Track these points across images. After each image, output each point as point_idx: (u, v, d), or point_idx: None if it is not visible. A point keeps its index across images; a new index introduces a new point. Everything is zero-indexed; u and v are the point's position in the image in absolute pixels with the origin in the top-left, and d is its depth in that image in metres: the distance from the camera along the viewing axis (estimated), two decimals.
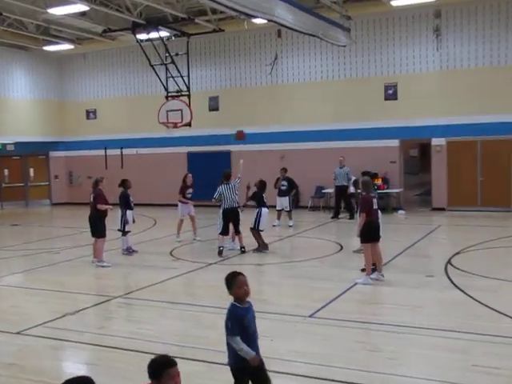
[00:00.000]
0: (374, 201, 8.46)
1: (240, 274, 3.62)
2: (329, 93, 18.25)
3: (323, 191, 18.35)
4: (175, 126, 17.06)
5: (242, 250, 10.98)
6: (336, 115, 18.12)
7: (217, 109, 20.02)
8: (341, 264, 9.88)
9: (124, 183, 11.39)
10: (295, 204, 18.49)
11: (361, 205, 8.50)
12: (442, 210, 16.62)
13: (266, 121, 19.12)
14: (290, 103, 18.81)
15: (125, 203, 11.19)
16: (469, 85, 16.27)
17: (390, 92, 17.47)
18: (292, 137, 18.82)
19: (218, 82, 20.00)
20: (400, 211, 16.75)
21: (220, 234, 10.99)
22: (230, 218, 10.87)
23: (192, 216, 12.72)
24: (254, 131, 19.40)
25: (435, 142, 17.12)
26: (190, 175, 12.97)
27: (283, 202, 14.77)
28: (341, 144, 17.98)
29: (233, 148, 19.88)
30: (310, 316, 6.64)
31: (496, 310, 6.69)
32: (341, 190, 16.18)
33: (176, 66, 17.54)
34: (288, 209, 14.64)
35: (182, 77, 17.55)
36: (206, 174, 19.97)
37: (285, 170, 15.23)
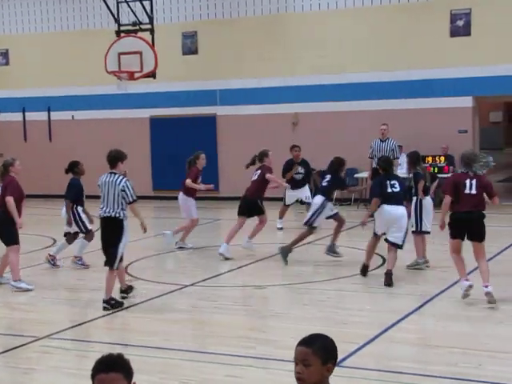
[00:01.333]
0: (468, 183, 8.71)
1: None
2: (362, 27, 18.12)
3: (356, 176, 18.23)
4: (131, 77, 16.98)
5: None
6: (374, 61, 18.04)
7: (194, 51, 19.90)
8: (382, 287, 9.87)
9: (74, 167, 11.66)
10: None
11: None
12: None
13: (269, 70, 19.01)
14: (306, 43, 18.66)
15: (75, 196, 11.38)
16: None
17: (460, 24, 17.34)
18: (308, 93, 18.71)
19: (195, 9, 19.86)
20: None
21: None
22: None
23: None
24: (251, 85, 19.33)
25: None
26: (203, 155, 13.19)
27: (301, 194, 15.03)
28: (380, 104, 17.91)
29: (220, 111, 19.77)
30: (337, 365, 6.52)
31: None
32: None
33: None
34: (310, 200, 14.64)
35: (140, 1, 17.42)
36: (179, 150, 19.95)
37: (298, 148, 15.25)
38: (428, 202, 10.88)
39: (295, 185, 15.02)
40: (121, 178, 8.94)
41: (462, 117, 17.50)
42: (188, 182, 12.68)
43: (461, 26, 17.34)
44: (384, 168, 10.62)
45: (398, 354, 7.04)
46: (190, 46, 19.98)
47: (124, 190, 8.85)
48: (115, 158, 9.17)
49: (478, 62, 17.11)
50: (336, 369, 6.46)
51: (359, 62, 18.21)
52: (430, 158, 17.20)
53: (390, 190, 10.29)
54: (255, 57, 19.15)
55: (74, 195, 11.43)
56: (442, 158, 17.12)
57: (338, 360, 6.63)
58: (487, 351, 7.03)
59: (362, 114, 18.17)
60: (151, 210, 18.72)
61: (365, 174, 17.61)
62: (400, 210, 10.26)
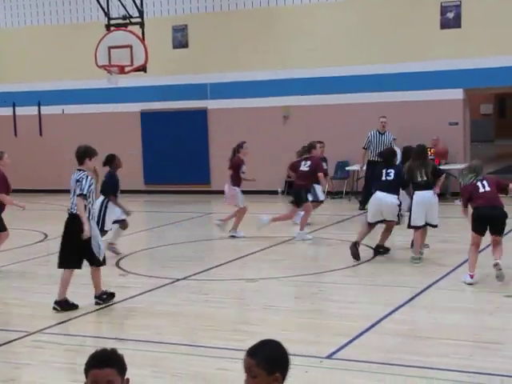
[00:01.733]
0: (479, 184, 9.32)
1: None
2: (353, 20, 18.09)
3: (348, 169, 18.26)
4: (122, 70, 16.96)
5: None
6: (364, 54, 18.01)
7: (185, 45, 19.84)
8: (374, 279, 9.96)
9: (111, 161, 11.67)
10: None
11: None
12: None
13: (260, 63, 18.97)
14: (297, 36, 18.63)
15: (112, 189, 11.41)
16: None
17: (450, 16, 17.33)
18: (299, 87, 18.68)
19: (186, 3, 19.80)
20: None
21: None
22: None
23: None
24: (242, 79, 19.27)
25: None
26: (246, 145, 13.29)
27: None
28: (372, 97, 17.90)
29: (210, 104, 19.73)
30: (329, 357, 6.71)
31: None
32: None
33: None
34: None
35: None
36: (171, 144, 19.92)
37: (323, 144, 15.40)
38: (419, 196, 10.65)
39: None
40: (82, 174, 8.57)
41: (452, 109, 17.49)
42: (235, 174, 12.91)
43: (451, 18, 17.33)
44: (385, 158, 11.12)
45: (390, 345, 7.04)
46: (180, 39, 19.90)
47: (79, 181, 8.47)
48: (83, 154, 8.74)
49: (468, 55, 17.10)
50: (329, 361, 6.55)
51: (350, 55, 18.18)
52: None
53: (384, 178, 10.45)
54: (246, 50, 19.09)
55: (112, 188, 11.41)
56: (433, 151, 17.12)
57: (331, 352, 6.76)
58: (479, 342, 7.05)
59: (353, 107, 18.15)
60: (142, 204, 18.70)
61: (356, 167, 17.64)
62: (389, 198, 10.36)
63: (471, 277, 9.14)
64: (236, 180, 13.04)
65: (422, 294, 8.94)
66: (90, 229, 8.42)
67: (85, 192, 8.44)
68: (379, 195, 10.69)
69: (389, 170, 10.77)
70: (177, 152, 19.88)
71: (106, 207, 11.18)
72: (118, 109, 20.53)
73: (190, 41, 19.84)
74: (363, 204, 15.73)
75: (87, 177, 8.54)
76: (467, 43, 17.11)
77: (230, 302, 9.16)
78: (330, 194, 18.30)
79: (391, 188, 10.68)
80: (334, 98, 18.39)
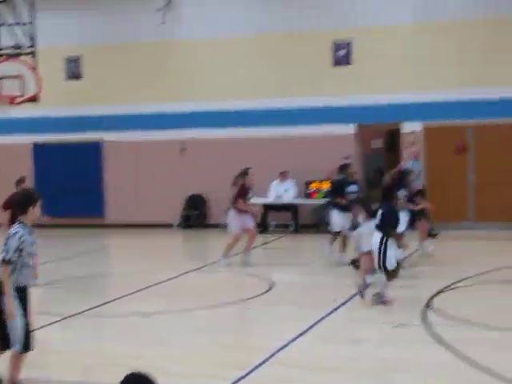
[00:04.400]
0: None
1: None
2: (247, 55, 18.33)
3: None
4: (12, 101, 16.51)
5: None
6: (260, 88, 18.21)
7: (78, 76, 19.55)
8: (271, 310, 9.92)
9: None
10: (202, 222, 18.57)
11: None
12: None
13: (155, 95, 18.90)
14: (193, 69, 18.69)
15: None
16: (458, 44, 16.87)
17: (342, 53, 17.78)
18: (195, 120, 18.70)
19: (80, 34, 19.56)
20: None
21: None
22: None
23: (250, 229, 13.31)
24: (137, 111, 19.14)
25: (408, 127, 17.59)
26: (252, 171, 13.39)
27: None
28: (267, 131, 18.09)
29: (106, 137, 19.47)
30: None
31: (499, 375, 6.79)
32: None
33: (13, 7, 17.02)
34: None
35: (21, 24, 17.03)
36: (64, 177, 19.48)
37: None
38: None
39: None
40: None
41: (344, 143, 17.89)
42: (241, 204, 13.03)
43: (343, 55, 17.79)
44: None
45: (287, 378, 7.01)
46: (73, 70, 19.61)
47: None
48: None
49: (359, 91, 17.58)
50: None
51: (247, 90, 18.36)
52: (315, 184, 17.52)
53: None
54: (142, 83, 18.99)
55: None
56: (327, 184, 17.41)
57: None
58: (368, 371, 7.11)
59: (250, 141, 18.30)
60: (41, 238, 18.11)
61: (252, 200, 17.74)
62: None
63: None
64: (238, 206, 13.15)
65: (317, 325, 8.97)
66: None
67: (9, 256, 6.33)
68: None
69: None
70: (70, 185, 19.48)
71: None
72: (9, 140, 19.96)
73: (84, 72, 19.57)
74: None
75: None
76: (358, 81, 17.60)
77: (123, 337, 8.95)
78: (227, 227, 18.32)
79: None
80: (231, 132, 18.51)
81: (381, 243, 9.63)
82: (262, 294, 10.96)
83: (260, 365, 7.37)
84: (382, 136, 31.48)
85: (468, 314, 9.18)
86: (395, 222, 9.88)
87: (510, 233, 15.97)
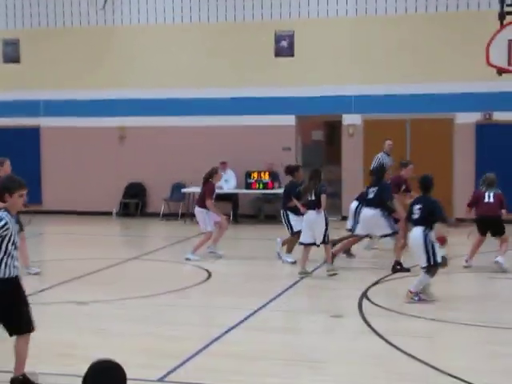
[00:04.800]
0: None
1: None
2: (189, 43, 18.23)
3: (184, 191, 18.23)
4: None
5: None
6: (202, 77, 18.13)
7: (17, 60, 19.16)
8: (208, 300, 9.98)
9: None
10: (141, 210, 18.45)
11: None
12: None
13: (94, 81, 18.65)
14: (134, 56, 18.50)
15: None
16: (399, 40, 17.06)
17: (284, 45, 17.81)
18: (135, 107, 18.51)
19: (19, 17, 19.14)
20: None
21: None
22: None
23: (221, 222, 13.17)
24: (77, 97, 18.86)
25: (347, 120, 17.74)
26: (220, 171, 13.69)
27: None
28: (208, 121, 18.04)
29: (43, 122, 19.12)
30: (161, 380, 6.61)
31: (432, 366, 6.91)
32: None
33: None
34: None
35: None
36: None
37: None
38: (306, 215, 11.29)
39: None
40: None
41: (285, 135, 17.96)
42: (209, 203, 12.78)
43: (285, 46, 17.83)
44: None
45: (222, 367, 7.01)
46: (11, 54, 19.19)
47: None
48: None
49: (300, 83, 17.64)
50: None
51: (188, 78, 18.25)
52: (255, 174, 17.55)
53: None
54: (81, 68, 18.71)
55: None
56: (267, 174, 17.50)
57: (164, 374, 6.64)
58: (306, 361, 7.17)
59: (190, 130, 18.21)
60: None
61: (193, 189, 17.71)
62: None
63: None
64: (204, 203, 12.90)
65: (254, 315, 9.02)
66: None
67: None
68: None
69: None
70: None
71: None
72: None
73: (22, 56, 19.17)
74: None
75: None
76: (300, 72, 17.66)
77: (58, 325, 8.82)
78: (166, 216, 18.25)
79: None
80: (171, 120, 18.37)
81: (425, 238, 9.33)
82: (200, 283, 10.96)
83: (196, 354, 7.37)
84: (322, 128, 31.83)
85: (403, 305, 9.34)
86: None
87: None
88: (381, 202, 11.64)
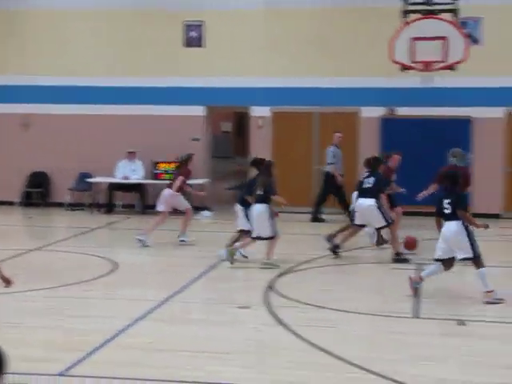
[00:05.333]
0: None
1: None
2: (97, 30, 17.97)
3: (89, 181, 17.93)
4: None
5: None
6: (109, 65, 17.90)
7: None
8: (115, 291, 9.88)
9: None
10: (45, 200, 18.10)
11: None
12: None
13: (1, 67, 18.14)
14: (39, 41, 18.06)
15: None
16: (307, 33, 17.21)
17: (194, 35, 17.75)
18: (40, 94, 18.09)
19: None
20: (205, 212, 17.11)
21: None
22: None
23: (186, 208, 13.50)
24: None
25: (256, 112, 17.83)
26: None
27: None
28: (115, 109, 17.83)
29: None
30: (62, 374, 6.51)
31: (336, 356, 7.05)
32: None
33: None
34: None
35: None
36: None
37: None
38: (255, 208, 11.33)
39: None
40: None
41: (194, 125, 17.89)
42: (183, 184, 13.22)
43: (194, 37, 17.75)
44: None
45: (128, 359, 6.96)
46: None
47: None
48: None
49: (210, 74, 17.61)
50: (63, 378, 6.32)
51: (93, 66, 17.95)
52: (163, 165, 17.42)
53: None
54: None
55: None
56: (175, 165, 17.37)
57: (66, 367, 6.54)
58: (212, 352, 7.19)
59: (98, 118, 17.91)
60: None
61: (100, 179, 17.48)
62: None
63: None
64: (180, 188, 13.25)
65: (160, 306, 8.98)
66: None
67: None
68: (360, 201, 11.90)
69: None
70: None
71: None
72: None
73: None
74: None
75: None
76: (210, 63, 17.63)
77: None
78: (71, 206, 17.93)
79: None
80: (77, 108, 18.03)
81: (467, 230, 9.08)
82: (106, 274, 10.84)
83: (101, 347, 7.30)
84: (231, 119, 32.00)
85: (309, 296, 9.49)
86: None
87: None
88: (377, 192, 11.76)
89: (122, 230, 15.60)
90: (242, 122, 20.14)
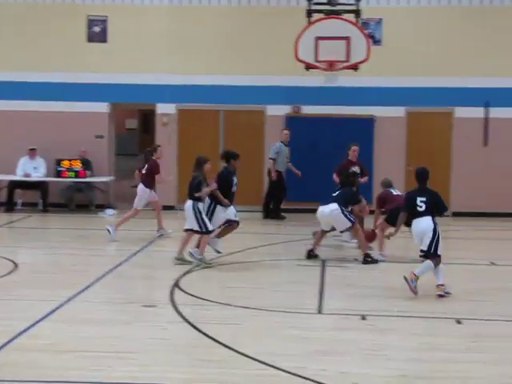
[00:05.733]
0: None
1: None
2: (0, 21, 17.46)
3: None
4: None
5: None
6: (10, 60, 17.52)
7: None
8: (14, 292, 9.64)
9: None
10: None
11: None
12: (171, 208, 17.33)
13: None
14: None
15: None
16: (213, 30, 17.22)
17: (97, 30, 17.52)
18: None
19: None
20: (108, 210, 16.94)
21: None
22: None
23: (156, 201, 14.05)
24: None
25: (161, 109, 17.75)
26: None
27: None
28: (16, 105, 17.46)
29: None
30: None
31: (240, 353, 7.13)
32: None
33: None
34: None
35: None
36: None
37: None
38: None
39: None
40: None
41: (97, 122, 17.64)
42: (159, 177, 13.74)
43: (98, 31, 17.51)
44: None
45: (27, 362, 6.83)
46: None
47: None
48: None
49: (114, 69, 17.39)
50: None
51: (8, 61, 17.45)
52: (66, 162, 17.10)
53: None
54: None
55: None
56: (79, 162, 17.12)
57: None
58: (116, 352, 7.15)
59: (22, 115, 17.41)
60: None
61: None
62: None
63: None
64: (150, 182, 13.66)
65: (62, 307, 8.85)
66: None
67: None
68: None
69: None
70: None
71: None
72: None
73: None
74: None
75: None
76: (114, 59, 17.41)
77: None
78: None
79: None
80: (19, 105, 17.46)
81: (434, 228, 9.52)
82: (5, 275, 10.56)
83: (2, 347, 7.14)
84: (136, 116, 31.74)
85: (214, 294, 9.55)
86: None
87: (253, 215, 16.65)
88: (342, 201, 11.74)
89: (23, 229, 15.25)
90: (147, 119, 20.00)
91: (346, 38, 14.47)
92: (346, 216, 11.55)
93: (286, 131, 16.83)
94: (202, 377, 6.51)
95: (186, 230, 11.41)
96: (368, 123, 17.23)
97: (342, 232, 12.06)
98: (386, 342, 7.65)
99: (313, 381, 6.39)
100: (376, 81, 16.79)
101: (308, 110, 17.43)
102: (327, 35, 14.45)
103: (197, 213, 11.14)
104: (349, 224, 11.59)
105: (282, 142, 16.68)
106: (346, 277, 10.76)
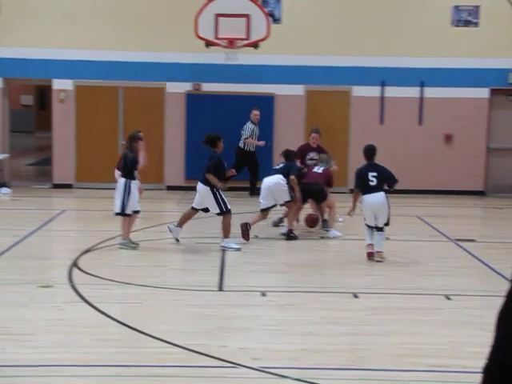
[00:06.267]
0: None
1: None
2: None
3: None
4: None
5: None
6: None
7: None
8: None
9: None
10: None
11: None
12: (69, 186, 17.02)
13: None
14: None
15: None
16: (116, 6, 16.89)
17: None
18: None
19: None
20: (3, 189, 16.53)
21: None
22: None
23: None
24: None
25: (58, 85, 17.34)
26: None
27: None
28: None
29: None
30: None
31: (140, 331, 7.14)
32: None
33: None
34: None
35: None
36: None
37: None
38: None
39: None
40: None
41: None
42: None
43: None
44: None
45: None
46: None
47: None
48: None
49: (7, 43, 16.83)
50: None
51: None
52: None
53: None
54: None
55: None
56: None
57: None
58: (10, 334, 7.02)
59: None
60: None
61: None
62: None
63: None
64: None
65: None
66: None
67: None
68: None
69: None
70: None
71: None
72: None
73: None
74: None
75: None
76: (7, 31, 16.86)
77: None
78: None
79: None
80: None
81: (387, 201, 10.25)
82: None
83: None
84: (32, 92, 30.92)
85: (113, 273, 9.52)
86: None
87: (154, 193, 16.56)
88: (285, 173, 11.86)
89: None
90: (43, 95, 19.49)
91: (246, 16, 14.52)
92: (288, 190, 11.82)
93: (256, 111, 16.68)
94: (101, 356, 6.50)
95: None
96: (268, 101, 17.37)
97: (281, 205, 12.20)
98: (286, 318, 7.82)
99: (213, 357, 6.48)
100: (276, 59, 16.92)
101: (208, 87, 17.41)
102: (227, 12, 14.46)
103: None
104: (288, 198, 11.82)
105: (252, 121, 16.66)
106: (247, 254, 10.87)
